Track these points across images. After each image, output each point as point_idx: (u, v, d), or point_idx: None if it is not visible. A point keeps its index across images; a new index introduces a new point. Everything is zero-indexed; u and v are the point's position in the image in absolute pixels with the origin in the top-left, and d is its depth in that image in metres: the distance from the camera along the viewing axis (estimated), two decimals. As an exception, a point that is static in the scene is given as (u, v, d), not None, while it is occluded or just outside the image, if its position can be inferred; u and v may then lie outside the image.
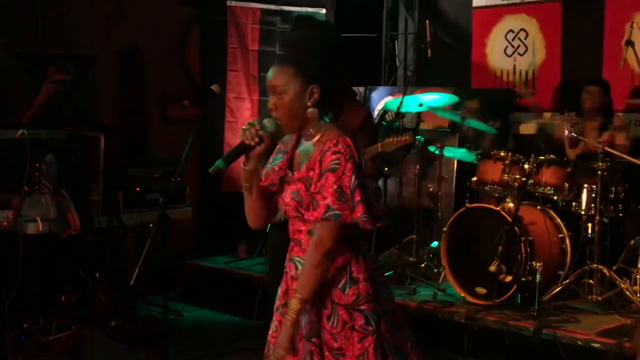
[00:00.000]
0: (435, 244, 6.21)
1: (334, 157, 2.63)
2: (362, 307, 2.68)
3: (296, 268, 2.75)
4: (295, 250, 2.78)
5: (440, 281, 5.63)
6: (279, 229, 3.75)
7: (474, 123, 6.16)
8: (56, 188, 4.79)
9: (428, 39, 6.14)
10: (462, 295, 5.48)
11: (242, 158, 2.74)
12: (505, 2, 7.18)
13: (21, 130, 4.40)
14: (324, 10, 7.71)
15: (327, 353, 2.67)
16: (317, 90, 2.68)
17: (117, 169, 6.21)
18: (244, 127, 2.68)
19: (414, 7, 7.91)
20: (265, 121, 2.70)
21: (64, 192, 4.88)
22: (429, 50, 6.11)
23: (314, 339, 2.69)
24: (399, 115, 6.10)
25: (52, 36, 7.33)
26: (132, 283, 3.93)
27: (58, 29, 7.36)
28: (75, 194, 5.19)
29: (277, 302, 2.86)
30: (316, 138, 2.71)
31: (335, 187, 2.60)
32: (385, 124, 7.12)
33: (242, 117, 7.46)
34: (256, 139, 2.66)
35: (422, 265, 6.23)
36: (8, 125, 5.48)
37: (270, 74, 2.70)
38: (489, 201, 5.67)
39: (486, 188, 5.66)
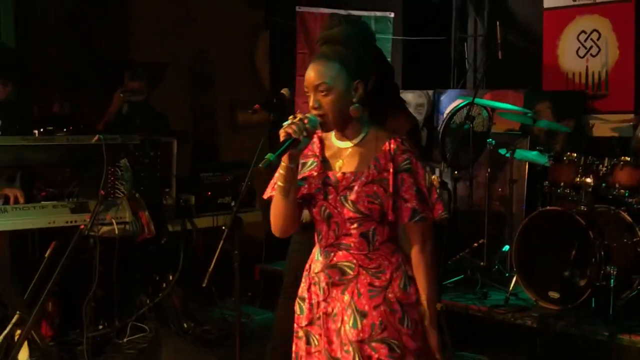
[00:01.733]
0: (506, 247, 6.14)
1: (404, 156, 2.61)
2: (416, 306, 2.66)
3: (343, 274, 2.65)
4: (340, 255, 2.67)
5: (511, 285, 5.57)
6: (300, 234, 3.66)
7: (547, 123, 6.08)
8: (131, 192, 4.87)
9: (499, 41, 6.08)
10: (535, 299, 5.41)
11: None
12: (576, 3, 7.07)
13: (98, 136, 4.49)
14: (392, 14, 7.72)
15: (409, 357, 2.62)
16: (362, 86, 2.62)
17: (189, 173, 6.31)
18: (289, 122, 2.56)
19: (484, 8, 7.85)
20: (311, 117, 2.59)
21: (139, 196, 4.96)
22: (500, 52, 6.04)
23: (380, 344, 2.61)
24: (468, 118, 6.05)
25: (124, 44, 7.49)
26: (204, 285, 4.00)
27: (130, 37, 7.52)
28: (149, 198, 5.27)
29: (310, 315, 2.75)
30: (360, 136, 2.67)
31: (415, 188, 2.59)
32: (455, 126, 7.06)
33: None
34: (304, 133, 2.54)
35: (493, 269, 6.16)
36: (84, 132, 5.63)
37: (311, 72, 2.60)
38: (561, 204, 5.58)
39: (559, 191, 5.57)
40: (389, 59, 7.71)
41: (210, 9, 7.69)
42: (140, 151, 5.29)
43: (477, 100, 5.80)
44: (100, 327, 5.29)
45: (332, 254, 2.68)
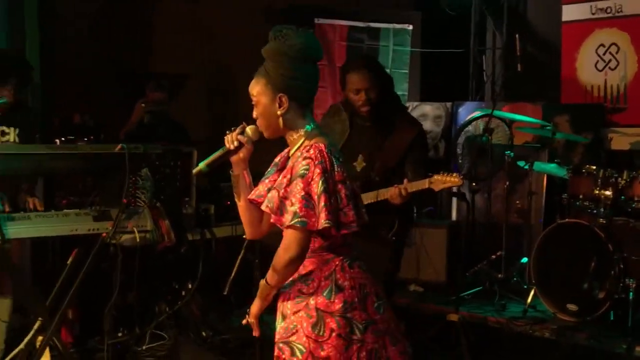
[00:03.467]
0: (525, 260, 6.14)
1: (304, 162, 2.64)
2: (349, 315, 2.67)
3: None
4: None
5: (530, 298, 5.57)
6: None
7: (565, 135, 6.09)
8: (151, 201, 4.90)
9: (518, 53, 6.09)
10: (553, 311, 5.41)
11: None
12: (595, 16, 7.08)
13: (121, 145, 4.53)
14: (410, 26, 7.75)
15: None
16: (286, 100, 2.72)
17: (209, 183, 6.35)
18: (228, 131, 2.80)
19: (502, 21, 7.87)
20: (248, 128, 2.80)
21: (159, 205, 4.99)
22: (520, 64, 6.06)
23: (286, 346, 2.69)
24: (487, 130, 6.06)
25: (145, 56, 7.56)
26: (225, 293, 4.03)
27: (151, 48, 7.59)
28: (169, 207, 5.30)
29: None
30: (295, 146, 2.76)
31: (302, 193, 2.61)
32: (471, 139, 7.08)
33: (329, 133, 7.53)
34: (235, 143, 2.79)
35: (512, 281, 6.16)
36: (104, 141, 5.68)
37: (250, 84, 2.79)
38: (580, 217, 5.58)
39: (577, 203, 5.57)
40: (406, 71, 7.75)
41: (230, 23, 7.74)
42: (161, 161, 5.34)
43: (495, 112, 5.82)
44: (120, 334, 5.31)
45: None
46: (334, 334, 2.64)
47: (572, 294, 5.29)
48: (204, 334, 5.56)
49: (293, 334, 2.68)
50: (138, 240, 4.71)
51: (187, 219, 5.82)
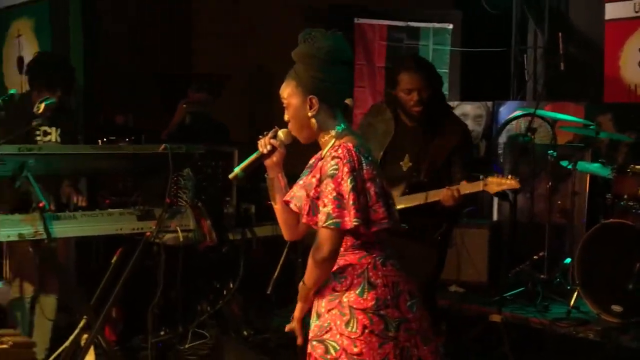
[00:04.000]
0: (568, 260, 6.08)
1: (332, 162, 2.65)
2: (382, 312, 2.67)
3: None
4: None
5: (573, 299, 5.51)
6: None
7: (609, 135, 6.02)
8: (193, 201, 4.94)
9: (561, 52, 6.03)
10: (597, 312, 5.35)
11: None
12: (639, 14, 6.98)
13: (164, 145, 4.57)
14: (451, 26, 7.72)
15: (344, 359, 2.65)
16: (316, 102, 2.74)
17: (249, 183, 6.37)
18: (260, 136, 2.86)
19: (544, 20, 7.80)
20: (280, 132, 2.84)
21: (201, 204, 5.03)
22: (562, 63, 6.00)
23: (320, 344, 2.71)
24: (529, 129, 6.01)
25: (186, 57, 7.63)
26: (269, 292, 4.05)
27: (192, 50, 7.65)
28: (210, 206, 5.34)
29: None
30: (326, 147, 2.77)
31: (334, 193, 2.62)
32: (513, 138, 7.03)
33: (369, 133, 7.52)
34: (268, 147, 2.85)
35: (555, 282, 6.11)
36: (145, 141, 5.74)
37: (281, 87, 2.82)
38: (624, 217, 5.51)
39: (622, 203, 5.50)
40: (446, 70, 7.72)
41: (270, 24, 7.78)
42: (203, 161, 5.38)
43: (538, 111, 5.77)
44: (163, 333, 5.36)
45: None
46: (366, 331, 2.65)
47: (617, 294, 5.23)
48: (245, 333, 5.59)
49: (327, 331, 2.69)
50: (181, 239, 4.75)
51: (228, 218, 5.86)
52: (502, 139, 7.22)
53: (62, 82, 4.86)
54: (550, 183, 6.29)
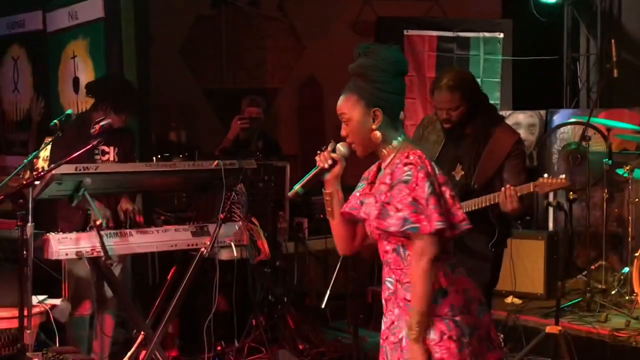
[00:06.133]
0: (626, 270, 5.97)
1: (405, 168, 2.64)
2: (457, 319, 2.66)
3: (388, 289, 2.78)
4: (385, 271, 2.80)
5: (633, 308, 5.41)
6: None
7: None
8: (247, 216, 4.98)
9: (614, 59, 5.95)
10: (657, 323, 5.24)
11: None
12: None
13: (217, 161, 4.62)
14: (501, 34, 7.67)
15: None
16: (380, 114, 2.73)
17: (302, 197, 6.40)
18: (319, 151, 2.84)
19: (596, 26, 7.71)
20: (339, 145, 2.83)
21: (254, 219, 5.07)
22: (615, 70, 5.92)
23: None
24: (583, 138, 5.94)
25: (235, 72, 7.70)
26: (323, 307, 4.06)
27: (241, 65, 7.72)
28: (263, 221, 5.38)
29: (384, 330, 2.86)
30: (389, 159, 2.76)
31: (410, 199, 2.61)
32: (568, 147, 6.94)
33: (419, 144, 7.51)
34: (329, 162, 2.82)
35: (613, 292, 6.00)
36: (199, 157, 5.80)
37: (338, 102, 2.81)
38: (683, 225, 5.41)
39: (680, 211, 5.40)
40: (498, 80, 7.66)
41: (320, 37, 7.83)
42: (256, 176, 5.42)
43: (592, 119, 5.69)
44: (219, 347, 5.40)
45: (384, 270, 2.82)
46: (445, 337, 2.65)
47: (678, 304, 5.13)
48: (300, 346, 5.59)
49: (402, 339, 2.70)
50: (235, 254, 4.80)
51: (281, 232, 5.90)
52: (557, 147, 7.14)
53: (128, 107, 4.96)
54: (606, 192, 6.19)
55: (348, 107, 2.77)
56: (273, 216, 5.82)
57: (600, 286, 6.05)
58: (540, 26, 7.73)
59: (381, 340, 2.85)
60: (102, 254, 4.20)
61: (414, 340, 2.64)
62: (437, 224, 2.60)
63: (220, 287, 4.91)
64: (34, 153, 4.87)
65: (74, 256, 4.20)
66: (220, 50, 7.77)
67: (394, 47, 2.81)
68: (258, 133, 6.08)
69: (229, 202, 4.95)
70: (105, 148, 5.03)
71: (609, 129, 6.07)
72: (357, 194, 2.86)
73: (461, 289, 2.72)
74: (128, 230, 4.43)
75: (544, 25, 7.74)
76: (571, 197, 5.64)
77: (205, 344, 4.92)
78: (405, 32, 7.59)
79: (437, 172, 2.69)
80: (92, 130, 4.45)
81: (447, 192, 2.70)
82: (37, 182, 4.12)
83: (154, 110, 6.56)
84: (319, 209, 6.26)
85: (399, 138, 2.77)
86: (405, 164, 2.66)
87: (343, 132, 2.82)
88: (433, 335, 2.65)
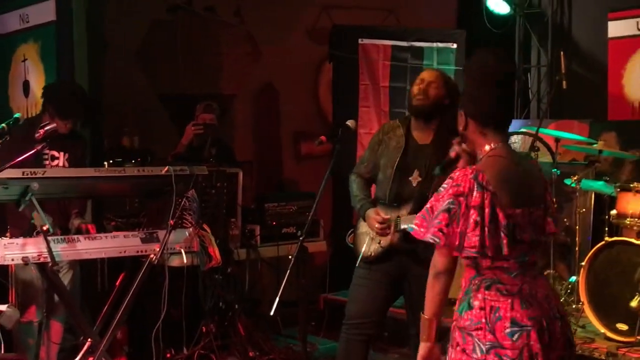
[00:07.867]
0: (573, 279, 6.06)
1: (447, 179, 2.74)
2: (472, 333, 2.70)
3: None
4: None
5: (579, 317, 5.50)
6: (366, 268, 4.41)
7: (612, 153, 6.02)
8: (198, 222, 4.96)
9: (563, 71, 6.05)
10: (603, 331, 5.33)
11: None
12: (642, 32, 7.00)
13: (167, 167, 4.60)
14: (454, 45, 7.73)
15: None
16: (462, 116, 2.85)
17: (254, 204, 6.40)
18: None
19: (547, 38, 7.82)
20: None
21: (206, 226, 5.05)
22: (565, 81, 6.02)
23: None
24: (532, 149, 6.02)
25: (191, 78, 7.67)
26: (272, 314, 4.05)
27: (197, 70, 7.69)
28: (215, 227, 5.36)
29: None
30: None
31: (428, 206, 2.73)
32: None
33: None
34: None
35: (561, 300, 6.08)
36: (151, 164, 5.76)
37: None
38: (629, 235, 5.49)
39: (626, 221, 5.48)
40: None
41: (276, 44, 7.83)
42: (208, 182, 5.40)
43: (542, 130, 5.76)
44: (168, 355, 5.36)
45: None
46: (458, 348, 2.74)
47: (622, 313, 5.21)
48: (250, 354, 5.58)
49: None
50: (185, 261, 4.78)
51: (233, 239, 5.88)
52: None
53: (75, 113, 4.91)
54: (554, 201, 6.26)
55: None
56: (225, 223, 5.80)
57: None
58: (493, 37, 7.82)
59: None
60: (49, 259, 4.14)
61: (421, 340, 2.79)
62: (429, 236, 2.69)
63: (170, 293, 4.88)
64: (-20, 157, 4.80)
65: (20, 262, 4.14)
66: (176, 56, 7.72)
67: (490, 52, 2.88)
68: (212, 139, 6.05)
69: (179, 209, 4.92)
70: (55, 153, 4.98)
71: (557, 140, 6.16)
72: None
73: (488, 306, 2.71)
74: (76, 236, 4.38)
75: (497, 37, 7.83)
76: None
77: (154, 351, 4.89)
78: (360, 41, 7.61)
79: (475, 193, 2.66)
80: (36, 135, 4.40)
81: (474, 216, 2.65)
82: (-18, 187, 4.06)
83: (107, 115, 6.52)
84: (272, 216, 6.27)
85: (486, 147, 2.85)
86: (450, 177, 2.74)
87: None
88: (451, 343, 2.77)
